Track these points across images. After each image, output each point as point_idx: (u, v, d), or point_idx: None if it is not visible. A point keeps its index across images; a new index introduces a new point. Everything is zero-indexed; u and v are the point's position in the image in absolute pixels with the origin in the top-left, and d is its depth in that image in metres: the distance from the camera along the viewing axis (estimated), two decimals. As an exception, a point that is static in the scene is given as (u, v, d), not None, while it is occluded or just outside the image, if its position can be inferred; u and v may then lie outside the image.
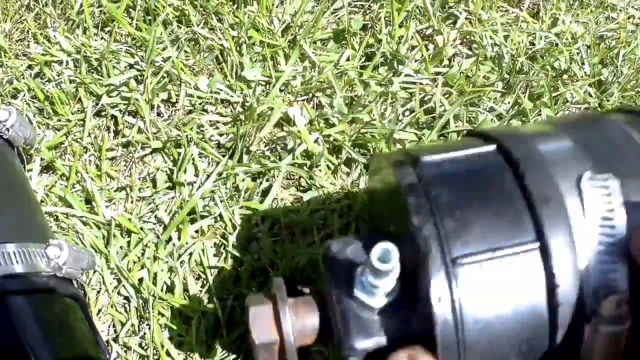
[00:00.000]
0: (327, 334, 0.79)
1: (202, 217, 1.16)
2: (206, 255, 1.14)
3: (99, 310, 1.09)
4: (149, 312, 1.07)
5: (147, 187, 1.19)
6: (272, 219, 1.15)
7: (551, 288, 0.68)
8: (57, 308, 0.84)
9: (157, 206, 1.17)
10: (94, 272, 1.11)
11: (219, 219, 1.16)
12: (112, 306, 1.09)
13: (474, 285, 0.69)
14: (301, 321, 0.80)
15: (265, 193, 1.18)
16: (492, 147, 0.78)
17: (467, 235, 0.71)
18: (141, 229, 1.14)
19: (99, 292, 1.10)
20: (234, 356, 1.03)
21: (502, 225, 0.71)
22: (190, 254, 1.14)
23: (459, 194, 0.74)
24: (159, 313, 1.07)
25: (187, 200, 1.14)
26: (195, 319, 1.08)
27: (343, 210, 1.12)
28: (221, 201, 1.16)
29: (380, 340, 0.74)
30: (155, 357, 1.03)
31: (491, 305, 0.69)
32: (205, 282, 1.13)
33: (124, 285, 1.10)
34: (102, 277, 1.11)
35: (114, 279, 1.12)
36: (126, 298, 1.11)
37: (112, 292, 1.11)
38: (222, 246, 1.15)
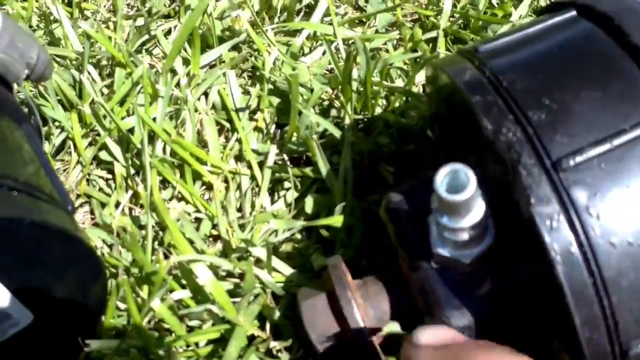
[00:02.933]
0: (410, 315, 0.56)
1: (222, 41, 0.86)
2: (230, 91, 0.81)
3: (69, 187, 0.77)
4: (144, 178, 0.73)
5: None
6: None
7: None
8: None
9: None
10: (59, 131, 0.80)
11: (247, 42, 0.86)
12: (87, 177, 0.77)
13: (596, 193, 0.46)
14: (375, 306, 0.57)
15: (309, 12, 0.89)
16: (570, 13, 0.56)
17: (567, 125, 0.48)
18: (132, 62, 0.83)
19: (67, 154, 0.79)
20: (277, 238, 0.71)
21: (614, 102, 0.48)
22: (206, 93, 0.81)
23: (541, 76, 0.51)
24: (159, 175, 0.74)
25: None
26: (219, 181, 0.75)
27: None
28: (249, 21, 0.84)
29: (481, 306, 0.52)
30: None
31: (630, 216, 0.46)
32: (230, 132, 0.80)
33: (105, 143, 0.77)
34: (71, 130, 0.79)
35: (88, 131, 0.79)
36: (107, 166, 0.78)
37: (86, 150, 0.78)
38: (253, 80, 0.84)
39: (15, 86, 0.66)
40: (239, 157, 0.75)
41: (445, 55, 0.76)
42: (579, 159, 0.46)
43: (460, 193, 0.46)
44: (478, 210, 0.48)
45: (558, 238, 0.45)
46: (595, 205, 0.45)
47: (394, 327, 0.54)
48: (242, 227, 0.70)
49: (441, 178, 0.46)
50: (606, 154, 0.46)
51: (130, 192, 0.74)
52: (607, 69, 0.50)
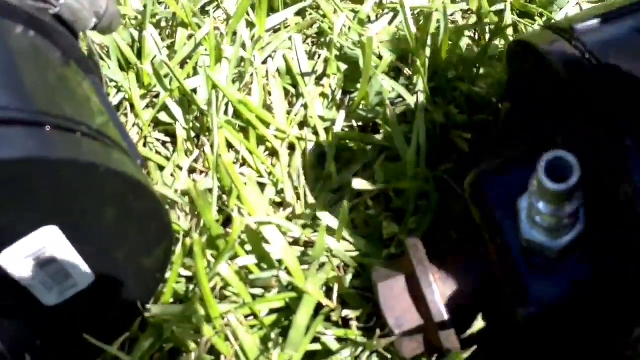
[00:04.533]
0: (490, 299, 0.53)
1: (286, 5, 0.81)
2: (296, 55, 0.78)
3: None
4: (210, 139, 0.70)
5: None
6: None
7: None
8: (42, 61, 0.54)
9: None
10: (116, 91, 0.75)
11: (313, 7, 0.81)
12: (144, 140, 0.73)
13: None
14: (454, 289, 0.53)
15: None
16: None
17: None
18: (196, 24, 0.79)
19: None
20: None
21: None
22: (272, 56, 0.77)
23: None
24: (228, 144, 0.70)
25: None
26: (284, 146, 0.71)
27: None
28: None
29: (566, 292, 0.49)
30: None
31: None
32: (295, 98, 0.76)
33: (165, 104, 0.73)
34: (129, 91, 0.75)
35: (146, 93, 0.76)
36: (166, 130, 0.75)
37: (144, 112, 0.74)
38: (318, 46, 0.80)
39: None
40: (304, 124, 0.72)
41: (532, 30, 0.72)
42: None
43: (563, 182, 0.42)
44: (576, 199, 0.45)
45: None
46: None
47: (479, 324, 0.52)
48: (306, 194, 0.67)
49: (545, 164, 0.43)
50: None
51: (193, 154, 0.70)
52: None
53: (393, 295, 0.53)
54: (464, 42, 0.76)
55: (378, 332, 0.54)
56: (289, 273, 0.59)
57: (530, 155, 0.50)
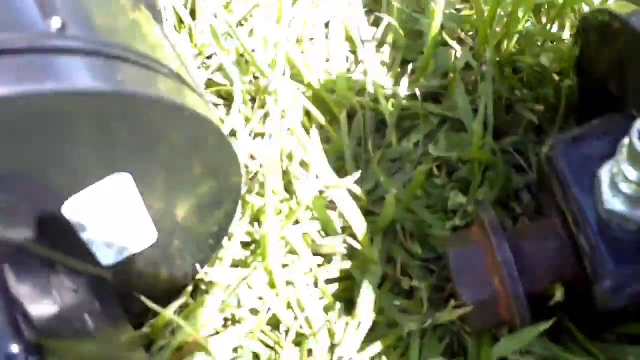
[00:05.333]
0: (564, 274, 0.51)
1: None
2: (357, 22, 0.74)
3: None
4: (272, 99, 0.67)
5: None
6: None
7: None
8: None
9: None
10: None
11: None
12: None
13: None
14: (528, 262, 0.51)
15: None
16: None
17: None
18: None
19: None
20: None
21: None
22: (332, 21, 0.74)
23: None
24: None
25: None
26: (342, 112, 0.68)
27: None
28: None
29: None
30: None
31: None
32: (354, 64, 0.73)
33: (221, 64, 0.71)
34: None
35: (198, 54, 0.73)
36: (219, 91, 0.72)
37: (198, 72, 0.72)
38: (381, 9, 0.75)
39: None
40: (363, 91, 0.69)
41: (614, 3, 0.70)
42: None
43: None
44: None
45: None
46: None
47: (560, 293, 0.50)
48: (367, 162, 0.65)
49: (639, 129, 0.41)
50: None
51: (256, 116, 0.67)
52: None
53: (467, 265, 0.52)
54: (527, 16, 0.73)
55: (452, 302, 0.53)
56: (355, 239, 0.57)
57: (607, 126, 0.49)
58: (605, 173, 0.47)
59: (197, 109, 0.44)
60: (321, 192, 0.60)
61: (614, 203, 0.46)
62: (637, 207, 0.45)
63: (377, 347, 0.55)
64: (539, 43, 0.69)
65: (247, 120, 0.67)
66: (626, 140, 0.43)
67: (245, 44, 0.69)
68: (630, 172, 0.44)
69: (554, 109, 0.64)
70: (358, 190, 0.61)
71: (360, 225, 0.57)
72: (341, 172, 0.64)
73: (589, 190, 0.48)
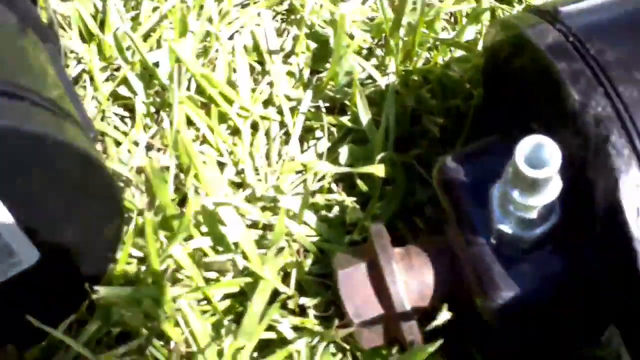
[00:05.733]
0: (455, 292, 0.49)
1: None
2: (264, 31, 0.71)
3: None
4: (170, 114, 0.64)
5: None
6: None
7: None
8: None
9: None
10: (76, 62, 0.70)
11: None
12: (102, 114, 0.68)
13: None
14: (417, 279, 0.49)
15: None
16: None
17: None
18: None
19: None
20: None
21: None
22: (239, 31, 0.71)
23: (634, 45, 0.43)
24: (189, 121, 0.65)
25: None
26: (247, 125, 0.65)
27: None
28: None
29: (540, 289, 0.45)
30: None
31: None
32: (260, 75, 0.70)
33: (125, 77, 0.68)
34: (89, 62, 0.69)
35: (106, 66, 0.70)
36: (125, 102, 0.69)
37: (104, 84, 0.69)
38: (287, 23, 0.74)
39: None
40: (269, 102, 0.67)
41: (511, 14, 0.68)
42: (676, 143, 0.39)
43: (542, 169, 0.38)
44: (554, 188, 0.41)
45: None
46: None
47: (445, 316, 0.48)
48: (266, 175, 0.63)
49: (523, 150, 0.39)
50: None
51: (151, 130, 0.66)
52: None
53: (353, 283, 0.49)
54: (439, 25, 0.71)
55: (336, 321, 0.50)
56: (245, 257, 0.55)
57: (504, 142, 0.46)
58: (495, 192, 0.44)
59: (64, 137, 0.45)
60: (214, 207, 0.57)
61: (505, 224, 0.44)
62: (526, 228, 0.43)
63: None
64: (450, 52, 0.67)
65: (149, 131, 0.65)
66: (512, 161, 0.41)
67: (149, 56, 0.67)
68: (516, 194, 0.41)
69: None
70: (248, 206, 0.58)
71: (248, 243, 0.54)
72: (241, 186, 0.62)
73: (481, 207, 0.46)
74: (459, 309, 0.48)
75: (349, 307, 0.49)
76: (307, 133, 0.65)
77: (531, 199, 0.41)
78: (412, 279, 0.48)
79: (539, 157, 0.39)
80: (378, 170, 0.58)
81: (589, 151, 0.40)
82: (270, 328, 0.54)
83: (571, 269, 0.44)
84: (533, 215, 0.42)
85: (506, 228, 0.43)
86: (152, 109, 0.67)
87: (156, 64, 0.68)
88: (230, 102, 0.65)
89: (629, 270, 0.39)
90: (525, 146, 0.39)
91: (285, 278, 0.57)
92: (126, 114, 0.68)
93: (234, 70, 0.68)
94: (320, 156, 0.63)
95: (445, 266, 0.49)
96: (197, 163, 0.59)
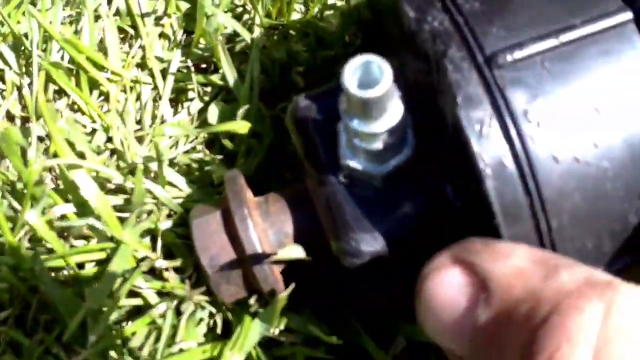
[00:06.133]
0: (317, 239, 0.45)
1: None
2: None
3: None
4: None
5: None
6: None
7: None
8: None
9: None
10: None
11: None
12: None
13: (537, 96, 0.36)
14: (276, 227, 0.45)
15: None
16: None
17: (506, 16, 0.37)
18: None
19: None
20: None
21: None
22: None
23: None
24: (53, 83, 0.62)
25: None
26: (117, 89, 0.62)
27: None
28: None
29: (396, 228, 0.41)
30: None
31: (578, 127, 0.36)
32: (133, 40, 0.66)
33: None
34: None
35: None
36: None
37: None
38: None
39: None
40: (142, 66, 0.63)
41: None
42: (518, 54, 0.36)
43: (373, 88, 0.35)
44: (395, 111, 0.38)
45: (489, 147, 0.35)
46: (535, 111, 0.35)
47: (296, 251, 0.44)
48: (140, 139, 0.59)
49: (351, 71, 0.36)
50: (551, 51, 0.36)
51: (10, 97, 0.62)
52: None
53: (208, 232, 0.45)
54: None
55: (187, 281, 0.47)
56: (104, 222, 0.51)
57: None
58: (342, 128, 0.41)
59: None
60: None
61: (352, 160, 0.40)
62: (375, 160, 0.40)
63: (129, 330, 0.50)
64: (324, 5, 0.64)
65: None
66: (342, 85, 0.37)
67: (18, 28, 0.64)
68: (355, 123, 0.38)
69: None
70: (107, 170, 0.55)
71: (104, 207, 0.51)
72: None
73: (333, 148, 0.42)
74: (325, 261, 0.45)
75: (204, 257, 0.45)
76: (181, 94, 0.62)
77: (371, 125, 0.37)
78: (268, 227, 0.45)
79: (371, 76, 0.36)
80: (240, 126, 0.54)
81: (432, 71, 0.37)
82: (137, 295, 0.51)
83: (428, 206, 0.41)
84: (379, 145, 0.38)
85: (355, 164, 0.40)
86: (28, 80, 0.62)
87: (26, 35, 0.64)
88: (100, 67, 0.62)
89: (478, 197, 0.36)
90: (352, 66, 0.35)
91: (155, 243, 0.53)
92: (3, 86, 0.64)
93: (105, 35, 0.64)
94: (191, 117, 0.60)
95: (305, 213, 0.45)
96: (54, 128, 0.55)
